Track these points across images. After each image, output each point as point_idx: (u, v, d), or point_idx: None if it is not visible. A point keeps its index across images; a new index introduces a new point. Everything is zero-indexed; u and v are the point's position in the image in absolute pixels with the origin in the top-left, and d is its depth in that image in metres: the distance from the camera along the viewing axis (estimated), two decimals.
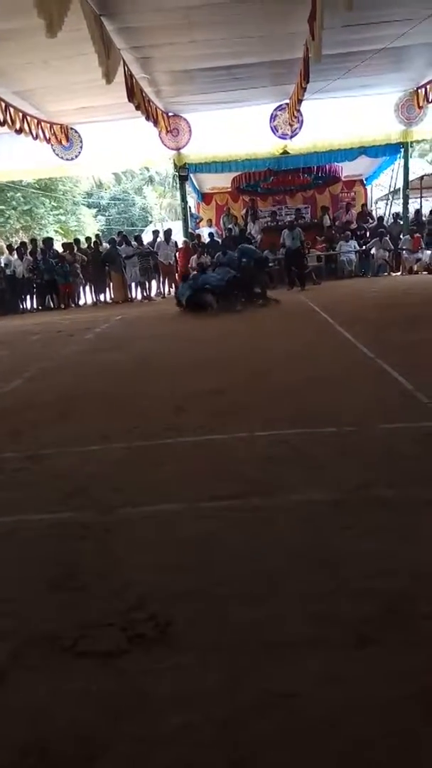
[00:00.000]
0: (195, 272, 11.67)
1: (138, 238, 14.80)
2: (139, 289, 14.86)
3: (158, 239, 15.04)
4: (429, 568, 2.04)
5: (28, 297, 15.21)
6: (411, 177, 15.73)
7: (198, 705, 1.54)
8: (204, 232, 16.42)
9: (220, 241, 15.04)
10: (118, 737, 1.49)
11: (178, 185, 16.14)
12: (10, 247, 15.96)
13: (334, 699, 1.51)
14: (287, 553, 2.22)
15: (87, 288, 15.48)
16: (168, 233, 14.95)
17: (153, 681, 1.64)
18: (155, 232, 16.03)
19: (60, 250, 15.47)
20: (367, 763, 1.35)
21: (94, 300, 15.06)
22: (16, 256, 14.83)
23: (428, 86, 12.89)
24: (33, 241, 15.94)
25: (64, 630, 1.89)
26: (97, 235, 16.92)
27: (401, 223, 15.51)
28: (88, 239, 16.81)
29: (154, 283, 15.22)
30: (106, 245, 15.45)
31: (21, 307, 14.99)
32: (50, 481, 3.16)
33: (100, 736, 1.49)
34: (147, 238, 16.47)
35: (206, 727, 1.47)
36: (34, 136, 12.60)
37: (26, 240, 17.33)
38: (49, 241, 15.91)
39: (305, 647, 1.72)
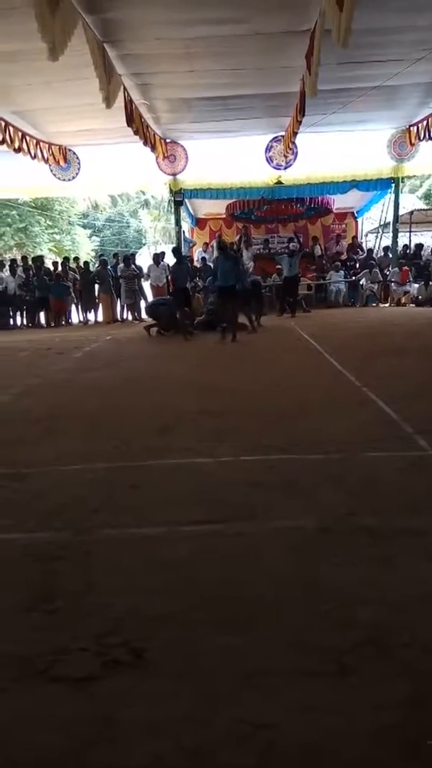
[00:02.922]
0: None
1: (126, 260, 14.84)
2: (127, 311, 14.90)
3: (149, 263, 15.15)
4: (410, 599, 2.02)
5: (18, 314, 15.18)
6: (401, 211, 16.05)
7: (170, 733, 1.50)
8: (196, 255, 16.56)
9: (212, 265, 15.16)
10: (87, 765, 1.44)
11: (173, 210, 16.32)
12: (1, 264, 15.93)
13: (312, 730, 1.48)
14: (268, 580, 2.19)
15: (77, 307, 15.49)
16: (157, 257, 14.98)
17: (125, 708, 1.60)
18: (130, 256, 15.93)
19: (51, 267, 15.50)
20: None
21: (85, 319, 15.08)
22: (8, 272, 14.84)
23: (420, 124, 13.24)
24: (24, 258, 15.96)
25: (37, 653, 1.84)
26: (101, 256, 16.83)
27: (390, 256, 15.78)
28: (76, 259, 16.84)
29: (143, 304, 15.26)
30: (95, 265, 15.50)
31: (11, 323, 14.94)
32: (30, 500, 3.11)
33: (69, 764, 1.44)
34: (141, 260, 16.51)
35: (177, 757, 1.43)
36: (33, 155, 12.73)
37: (18, 257, 17.35)
38: (39, 259, 15.96)
39: (284, 676, 1.68)
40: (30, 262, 15.50)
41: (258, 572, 2.25)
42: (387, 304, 15.03)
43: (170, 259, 15.25)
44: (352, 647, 1.78)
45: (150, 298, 14.75)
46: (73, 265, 15.97)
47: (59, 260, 17.02)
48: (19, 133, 12.00)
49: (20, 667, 1.79)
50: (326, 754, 1.41)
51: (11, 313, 14.97)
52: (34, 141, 12.73)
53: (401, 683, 1.62)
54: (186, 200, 15.82)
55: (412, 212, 17.20)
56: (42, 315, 15.02)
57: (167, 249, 17.27)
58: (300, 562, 2.30)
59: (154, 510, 2.88)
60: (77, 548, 2.51)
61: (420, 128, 13.27)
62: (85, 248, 31.07)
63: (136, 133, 11.00)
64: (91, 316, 15.19)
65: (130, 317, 14.82)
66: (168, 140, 14.16)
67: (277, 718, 1.52)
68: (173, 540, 2.55)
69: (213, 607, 2.03)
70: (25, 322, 15.10)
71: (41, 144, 13.08)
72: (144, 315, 14.72)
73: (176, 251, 11.30)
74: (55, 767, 1.45)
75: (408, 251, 16.48)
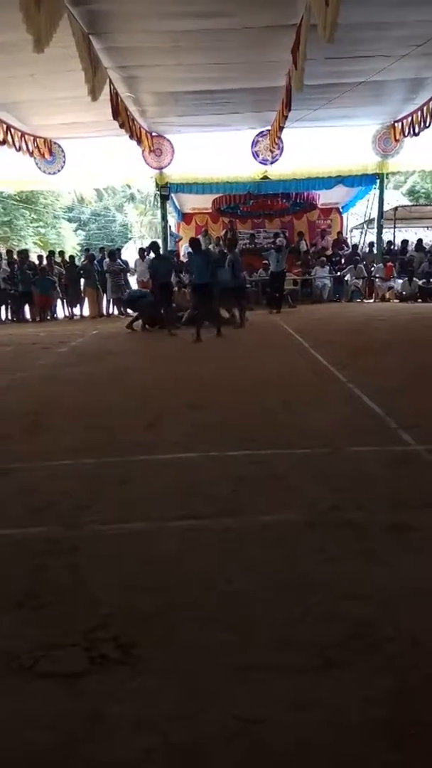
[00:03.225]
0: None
1: (111, 255, 14.73)
2: (113, 305, 14.82)
3: (136, 257, 15.05)
4: (395, 593, 2.05)
5: (2, 308, 15.01)
6: (385, 207, 16.14)
7: (158, 730, 1.51)
8: (183, 250, 16.49)
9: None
10: (74, 762, 1.44)
11: (159, 204, 16.24)
12: None
13: (300, 725, 1.50)
14: (256, 575, 2.21)
15: (62, 301, 15.38)
16: (142, 251, 14.82)
17: (113, 704, 1.60)
18: (116, 250, 15.69)
19: (36, 262, 15.38)
20: None
21: (70, 314, 15.00)
22: None
23: (405, 120, 13.30)
24: (9, 252, 15.80)
25: (24, 649, 1.84)
26: (87, 250, 16.69)
27: (375, 251, 15.88)
28: (61, 253, 16.74)
29: None
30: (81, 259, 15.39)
31: None
32: (18, 495, 3.10)
33: (56, 760, 1.45)
34: (127, 254, 16.40)
35: (166, 754, 1.44)
36: (17, 148, 12.59)
37: (3, 250, 17.16)
38: (24, 253, 15.81)
39: (272, 671, 1.70)
40: (15, 256, 15.34)
41: (245, 568, 2.27)
42: (371, 300, 15.13)
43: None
44: (338, 642, 1.80)
45: None
46: (58, 259, 15.85)
47: (44, 254, 16.87)
48: (4, 126, 11.87)
49: (7, 663, 1.79)
50: (315, 748, 1.43)
51: None
52: (19, 133, 12.59)
53: (387, 677, 1.65)
54: (172, 194, 15.75)
55: (396, 208, 17.31)
56: (27, 309, 14.88)
57: None
58: (286, 557, 2.32)
59: (142, 505, 2.89)
60: (66, 544, 2.51)
61: (405, 124, 13.34)
62: (71, 242, 30.82)
63: (122, 126, 10.93)
64: (76, 310, 15.10)
65: (116, 312, 14.74)
66: (154, 134, 14.08)
67: (265, 714, 1.54)
68: (161, 536, 2.56)
69: (201, 603, 2.04)
70: (9, 316, 14.95)
71: (26, 137, 12.94)
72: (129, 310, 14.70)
73: (154, 246, 10.97)
74: (44, 763, 1.45)
75: (393, 247, 16.59)
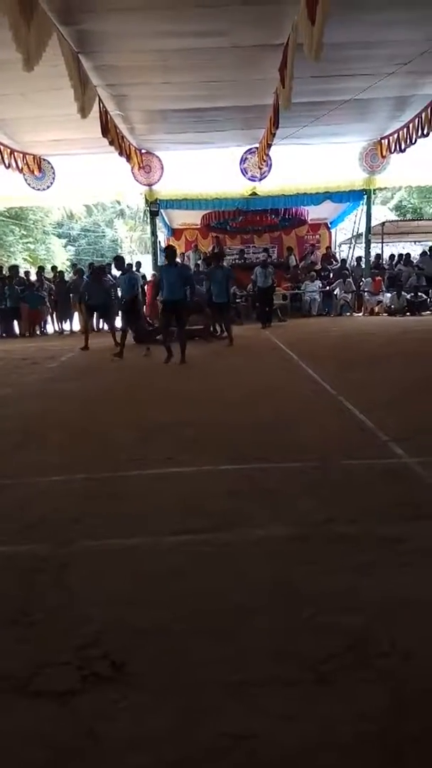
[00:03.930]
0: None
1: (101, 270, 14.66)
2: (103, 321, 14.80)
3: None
4: (389, 606, 2.05)
5: None
6: (373, 223, 16.34)
7: (151, 747, 1.49)
8: None
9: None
10: None
11: (148, 220, 16.34)
12: None
13: (292, 740, 1.49)
14: (250, 590, 2.20)
15: (52, 316, 15.37)
16: (129, 267, 14.66)
17: (107, 722, 1.59)
18: (106, 266, 15.42)
19: (23, 277, 15.37)
20: None
21: (60, 329, 14.98)
22: None
23: (391, 137, 13.52)
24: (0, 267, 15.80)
25: (17, 667, 1.81)
26: (75, 266, 16.64)
27: (363, 266, 16.05)
28: (54, 268, 16.74)
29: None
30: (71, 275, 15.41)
31: None
32: (8, 512, 3.07)
33: None
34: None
35: None
36: (7, 165, 12.64)
37: None
38: (14, 268, 15.81)
39: (265, 686, 1.69)
40: (5, 272, 15.33)
41: (238, 582, 2.26)
42: (360, 314, 15.25)
43: (147, 270, 15.26)
44: (332, 656, 1.79)
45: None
46: (49, 274, 15.86)
47: (32, 270, 16.89)
48: None
49: (1, 683, 1.76)
50: (307, 764, 1.42)
51: None
52: (8, 150, 12.66)
53: (380, 691, 1.64)
54: (162, 210, 15.86)
55: (383, 223, 17.53)
56: (16, 324, 14.84)
57: (144, 259, 17.18)
58: (279, 571, 2.31)
59: (134, 520, 2.87)
60: (57, 561, 2.48)
61: (391, 141, 13.56)
62: (60, 258, 30.86)
63: (111, 143, 11.02)
64: (66, 326, 15.09)
65: (105, 327, 14.73)
66: (143, 151, 14.21)
67: (258, 729, 1.52)
68: (154, 551, 2.54)
69: (194, 618, 2.03)
70: None
71: (15, 153, 13.00)
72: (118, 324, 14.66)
73: (119, 261, 10.34)
74: None
75: (381, 261, 16.78)
